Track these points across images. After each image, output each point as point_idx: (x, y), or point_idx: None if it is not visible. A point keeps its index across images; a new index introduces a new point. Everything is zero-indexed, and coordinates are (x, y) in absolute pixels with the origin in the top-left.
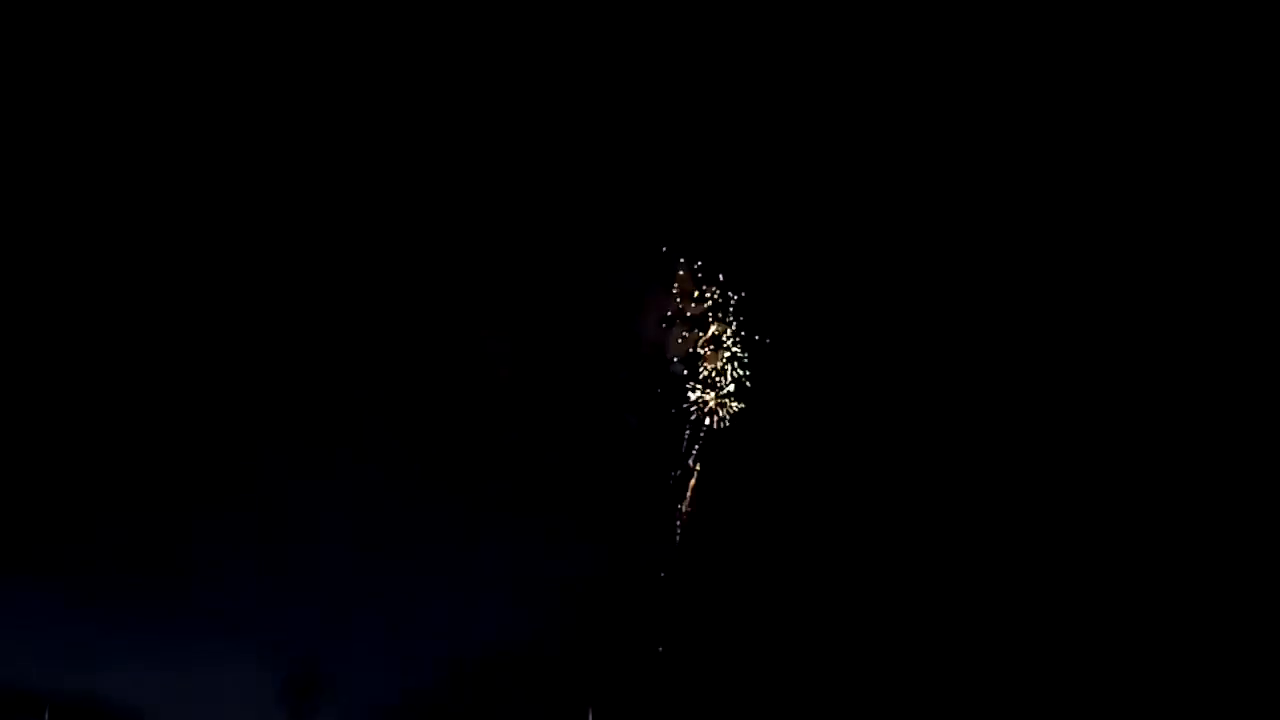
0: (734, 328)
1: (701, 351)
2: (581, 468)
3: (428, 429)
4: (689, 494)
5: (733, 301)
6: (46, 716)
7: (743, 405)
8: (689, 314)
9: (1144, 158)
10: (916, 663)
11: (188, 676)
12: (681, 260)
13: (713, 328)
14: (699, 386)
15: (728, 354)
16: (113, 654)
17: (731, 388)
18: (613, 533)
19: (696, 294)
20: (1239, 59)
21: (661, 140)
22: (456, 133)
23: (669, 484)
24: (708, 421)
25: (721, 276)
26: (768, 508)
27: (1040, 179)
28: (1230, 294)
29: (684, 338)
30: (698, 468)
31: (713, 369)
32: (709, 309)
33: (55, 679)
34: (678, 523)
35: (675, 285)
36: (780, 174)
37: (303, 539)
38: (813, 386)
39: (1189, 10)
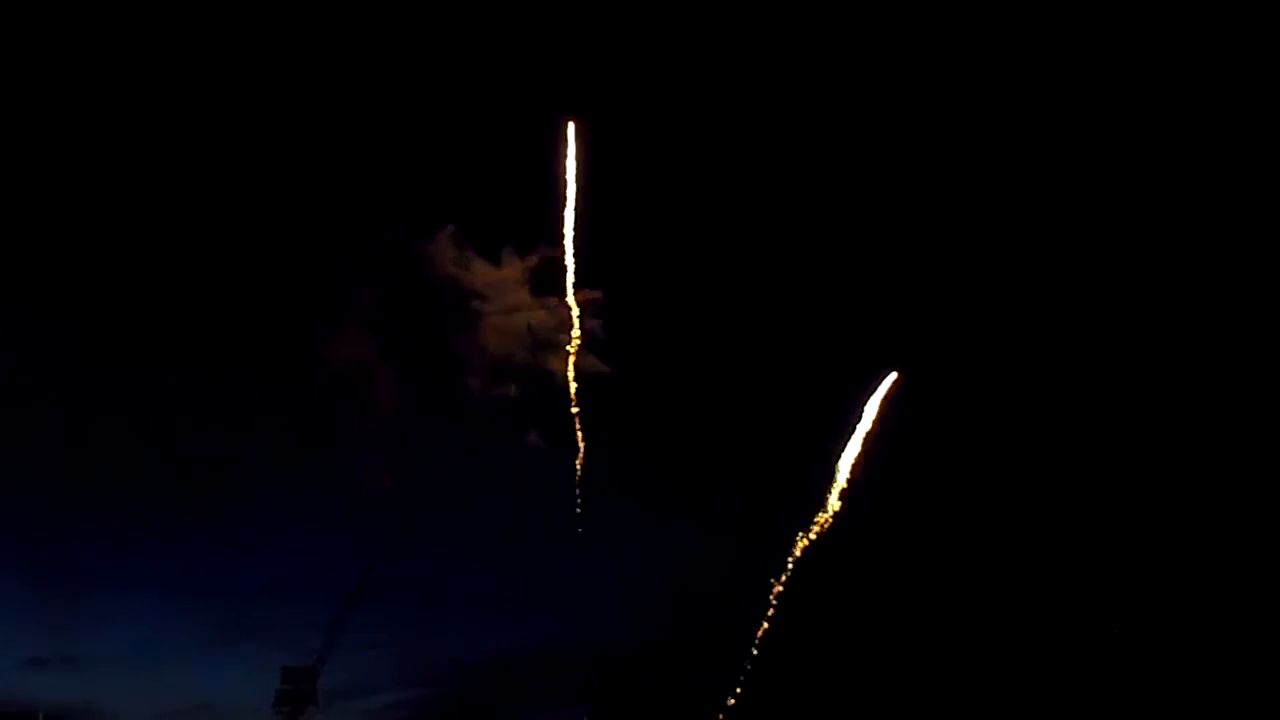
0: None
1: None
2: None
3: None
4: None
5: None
6: None
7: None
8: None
9: (1140, 156)
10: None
11: (183, 685)
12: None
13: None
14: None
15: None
16: (107, 662)
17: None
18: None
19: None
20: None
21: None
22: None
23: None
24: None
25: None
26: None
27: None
28: (1230, 292)
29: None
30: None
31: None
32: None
33: (49, 686)
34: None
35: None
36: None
37: (293, 549)
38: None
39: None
